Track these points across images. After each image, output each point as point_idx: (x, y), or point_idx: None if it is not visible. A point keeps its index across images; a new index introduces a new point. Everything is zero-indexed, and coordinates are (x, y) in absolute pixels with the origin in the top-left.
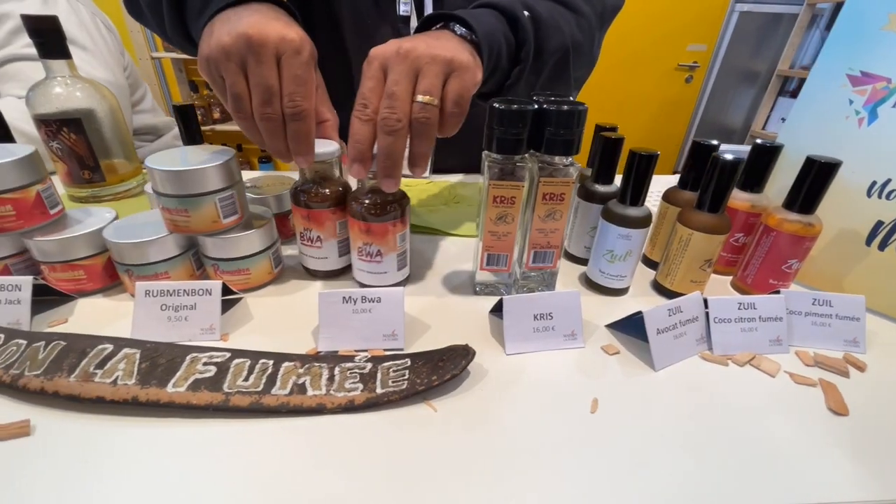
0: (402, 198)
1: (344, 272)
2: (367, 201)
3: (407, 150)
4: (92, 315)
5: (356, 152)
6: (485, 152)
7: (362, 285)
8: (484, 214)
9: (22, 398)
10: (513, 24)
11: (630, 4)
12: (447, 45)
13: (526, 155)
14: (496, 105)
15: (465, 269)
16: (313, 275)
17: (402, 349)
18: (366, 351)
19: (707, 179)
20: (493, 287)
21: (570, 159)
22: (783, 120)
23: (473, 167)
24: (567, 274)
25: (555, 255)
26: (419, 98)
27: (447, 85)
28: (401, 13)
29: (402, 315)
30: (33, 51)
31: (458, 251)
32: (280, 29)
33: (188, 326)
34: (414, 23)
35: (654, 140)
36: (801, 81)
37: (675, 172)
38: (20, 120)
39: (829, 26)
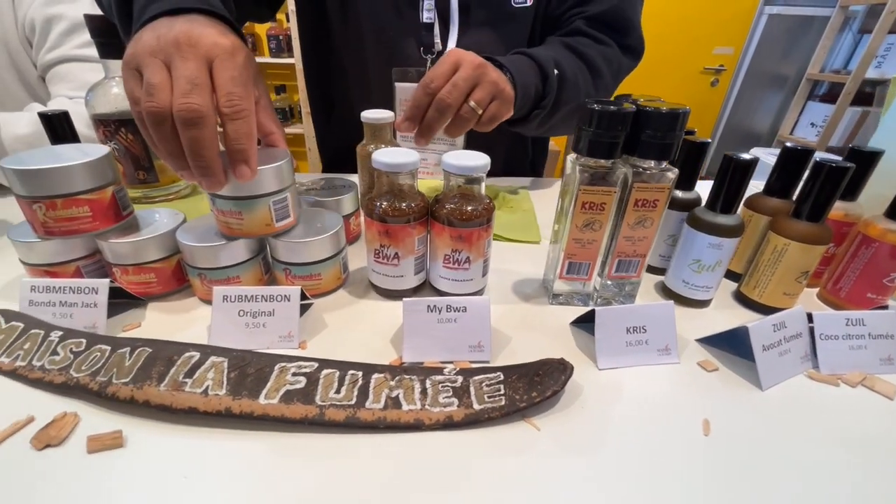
0: (489, 203)
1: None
2: (455, 207)
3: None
4: (163, 319)
5: (412, 112)
6: (571, 156)
7: (440, 293)
8: (569, 221)
9: (107, 406)
10: (543, 78)
11: (656, 6)
12: (504, 78)
13: (618, 159)
14: (592, 106)
15: (531, 276)
16: (385, 295)
17: (487, 362)
18: (451, 363)
19: (808, 186)
20: (569, 297)
21: (665, 164)
22: (813, 125)
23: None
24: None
25: (640, 264)
26: (471, 102)
27: (490, 104)
28: (424, 20)
29: (488, 326)
30: (83, 52)
31: (514, 256)
32: (213, 36)
33: (266, 333)
34: (437, 30)
35: None
36: (833, 85)
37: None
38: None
39: (862, 29)
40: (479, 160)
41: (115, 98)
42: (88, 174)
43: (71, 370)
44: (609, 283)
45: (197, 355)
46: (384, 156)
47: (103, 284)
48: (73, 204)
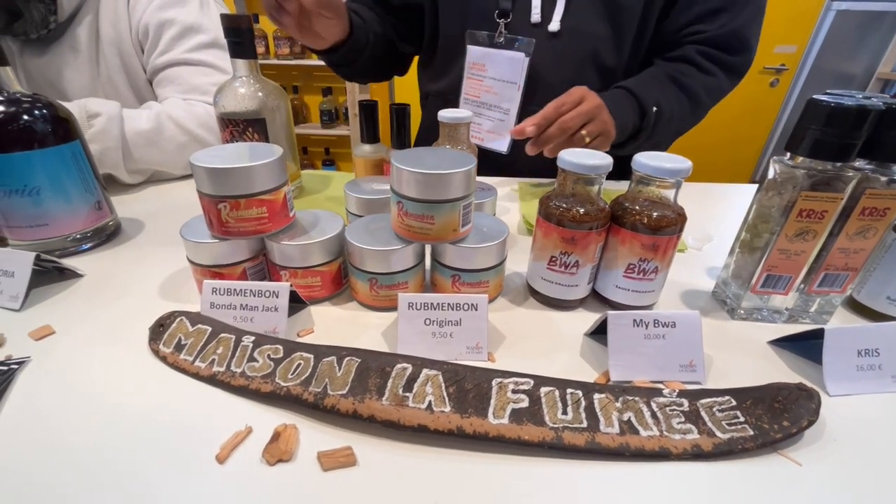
0: (604, 207)
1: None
2: (570, 208)
3: None
4: (332, 324)
5: (540, 121)
6: (782, 157)
7: (546, 299)
8: (780, 229)
9: (321, 418)
10: (641, 115)
11: None
12: (613, 122)
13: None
14: (824, 100)
15: (693, 287)
16: (551, 305)
17: (699, 383)
18: (661, 383)
19: None
20: (752, 312)
21: None
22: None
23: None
24: None
25: (848, 279)
26: (583, 131)
27: (597, 137)
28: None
29: (700, 343)
30: (193, 55)
31: None
32: None
33: (454, 343)
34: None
35: (731, 147)
36: None
37: (752, 181)
38: (187, 120)
39: None
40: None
41: (243, 98)
42: (269, 174)
43: (276, 378)
44: (806, 298)
45: (409, 367)
46: (574, 156)
47: (284, 288)
48: (254, 204)
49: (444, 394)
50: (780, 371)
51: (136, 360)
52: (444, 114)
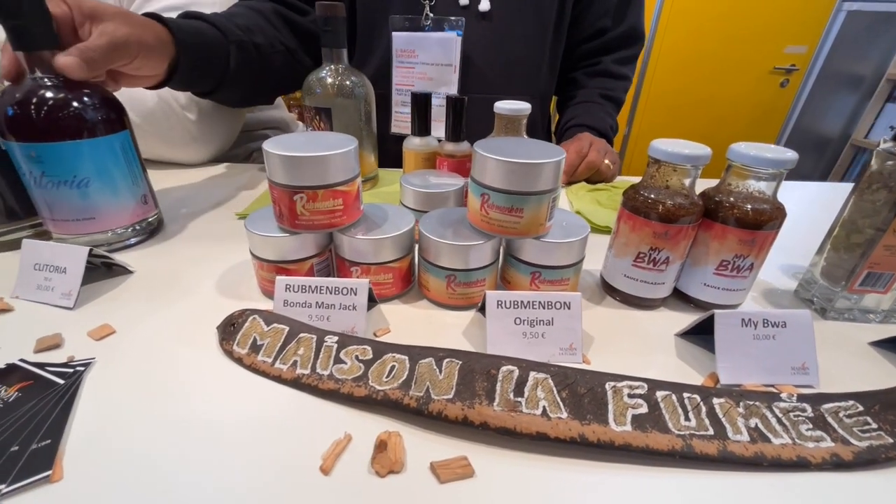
0: (697, 201)
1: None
2: (663, 201)
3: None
4: (408, 323)
5: (568, 168)
6: (886, 146)
7: (626, 297)
8: (886, 225)
9: (423, 424)
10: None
11: (724, 3)
12: (615, 153)
13: None
14: None
15: (767, 285)
16: (635, 304)
17: (813, 387)
18: (773, 386)
19: None
20: (844, 312)
21: None
22: (893, 128)
23: None
24: None
25: None
26: (606, 161)
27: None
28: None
29: (813, 344)
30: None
31: None
32: None
33: (546, 344)
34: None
35: None
36: None
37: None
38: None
39: None
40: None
41: (325, 87)
42: (346, 164)
43: (370, 382)
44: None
45: (516, 370)
46: (671, 146)
47: (362, 285)
48: (331, 196)
49: (558, 399)
50: (890, 373)
51: (208, 362)
52: (502, 105)
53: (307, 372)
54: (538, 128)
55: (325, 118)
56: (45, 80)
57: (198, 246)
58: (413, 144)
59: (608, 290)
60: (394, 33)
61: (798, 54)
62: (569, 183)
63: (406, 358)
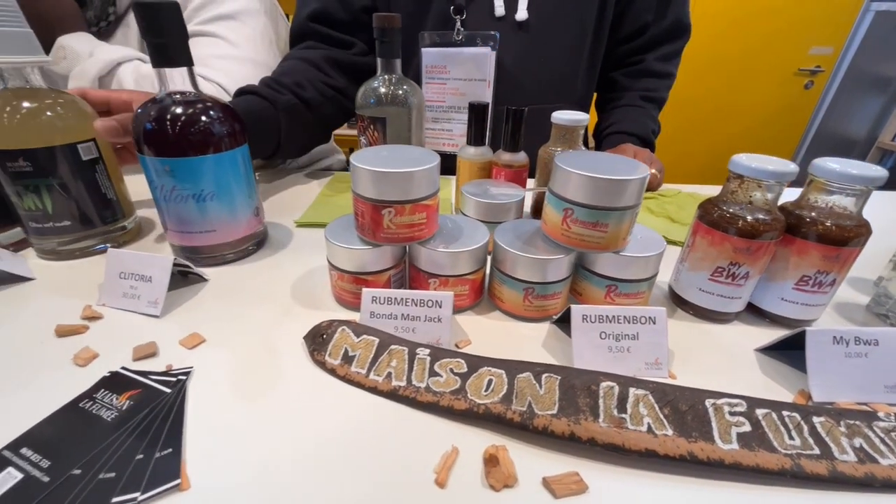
0: (780, 216)
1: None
2: (746, 216)
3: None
4: (485, 335)
5: None
6: None
7: (700, 311)
8: None
9: (526, 439)
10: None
11: (748, 5)
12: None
13: None
14: None
15: (838, 299)
16: (708, 317)
17: None
18: (866, 404)
19: None
20: None
21: None
22: None
23: None
24: None
25: None
26: (653, 170)
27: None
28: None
29: None
30: (205, 27)
31: None
32: None
33: (632, 359)
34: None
35: (760, 150)
36: None
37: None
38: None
39: None
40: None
41: (385, 96)
42: (431, 178)
43: (469, 395)
44: None
45: (616, 386)
46: (757, 162)
47: (447, 298)
48: (417, 209)
49: (661, 415)
50: None
51: (301, 372)
52: (561, 115)
53: (403, 384)
54: None
55: (380, 128)
56: (178, 96)
57: (263, 254)
58: (468, 154)
59: (678, 302)
60: (423, 50)
61: (824, 55)
62: None
63: (503, 372)
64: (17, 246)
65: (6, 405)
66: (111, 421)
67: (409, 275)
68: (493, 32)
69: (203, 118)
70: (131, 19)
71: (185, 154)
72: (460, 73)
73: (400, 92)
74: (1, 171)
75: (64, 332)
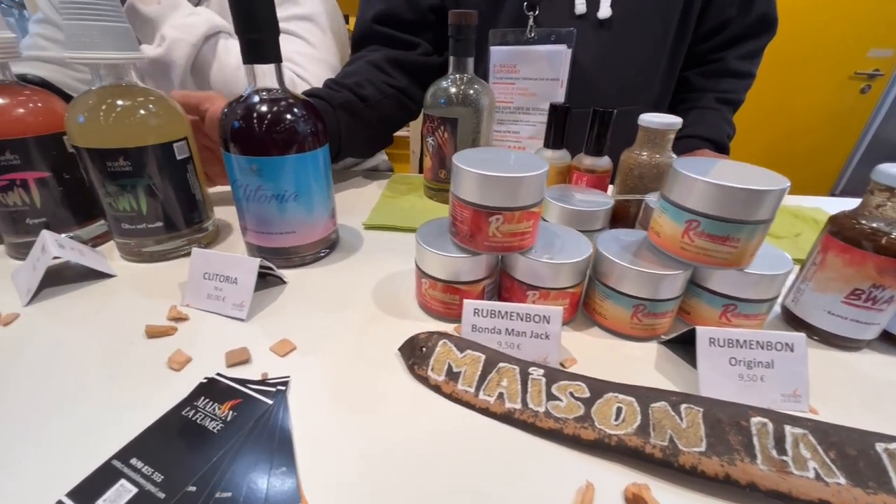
0: None
1: None
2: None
3: None
4: (589, 354)
5: None
6: None
7: (828, 336)
8: None
9: (669, 477)
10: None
11: (804, 6)
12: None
13: None
14: None
15: None
16: (834, 343)
17: None
18: None
19: None
20: None
21: None
22: None
23: None
24: None
25: None
26: None
27: None
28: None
29: None
30: (282, 25)
31: None
32: None
33: (766, 389)
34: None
35: (812, 156)
36: None
37: (832, 194)
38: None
39: None
40: None
41: (455, 95)
42: (541, 184)
43: (596, 423)
44: None
45: (769, 422)
46: None
47: (556, 313)
48: (525, 217)
49: (827, 459)
50: None
51: (401, 386)
52: (650, 119)
53: (518, 406)
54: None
55: (451, 129)
56: (265, 93)
57: (336, 256)
58: (545, 157)
59: (796, 324)
60: (492, 48)
61: (883, 58)
62: None
63: (633, 399)
64: (96, 241)
65: (106, 408)
66: (217, 433)
67: (501, 285)
68: (571, 29)
69: (288, 116)
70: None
71: (271, 153)
72: (531, 73)
73: (471, 92)
74: (99, 170)
75: (154, 332)
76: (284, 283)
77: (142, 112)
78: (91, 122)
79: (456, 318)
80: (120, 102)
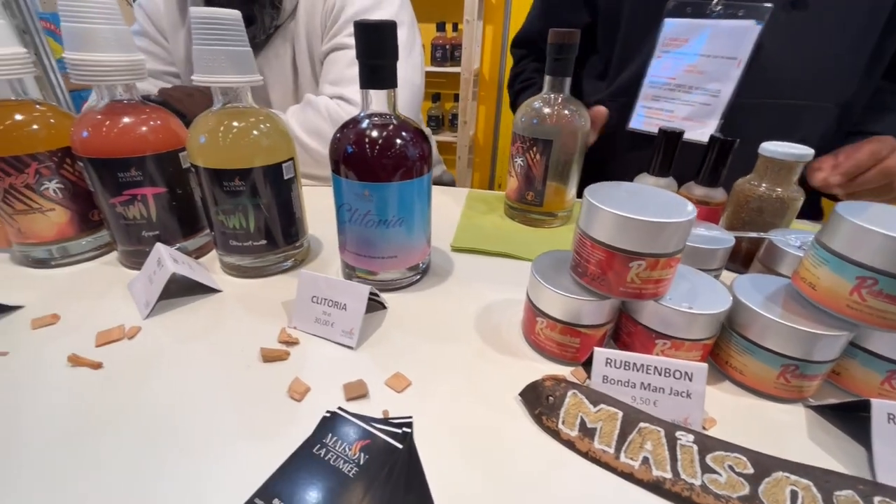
0: None
1: None
2: None
3: None
4: (727, 415)
5: (853, 170)
6: None
7: None
8: None
9: None
10: None
11: None
12: None
13: None
14: None
15: None
16: None
17: None
18: None
19: None
20: None
21: None
22: None
23: None
24: None
25: None
26: None
27: None
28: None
29: None
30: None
31: None
32: None
33: None
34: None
35: None
36: None
37: None
38: (295, 126)
39: None
40: None
41: (543, 117)
42: (688, 228)
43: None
44: None
45: None
46: None
47: (700, 370)
48: (668, 264)
49: None
50: None
51: (530, 437)
52: (774, 148)
53: (668, 476)
54: (829, 148)
55: (543, 150)
56: (377, 118)
57: (430, 281)
58: (648, 184)
59: None
60: (666, 20)
61: None
62: (846, 189)
63: (809, 483)
64: (199, 252)
65: (238, 437)
66: (353, 477)
67: (620, 327)
68: (768, 4)
69: (399, 141)
70: (283, 32)
71: (382, 179)
72: (707, 49)
73: (566, 112)
74: (216, 189)
75: (270, 357)
76: (385, 307)
77: (255, 133)
78: (210, 143)
79: (572, 361)
80: (235, 124)
